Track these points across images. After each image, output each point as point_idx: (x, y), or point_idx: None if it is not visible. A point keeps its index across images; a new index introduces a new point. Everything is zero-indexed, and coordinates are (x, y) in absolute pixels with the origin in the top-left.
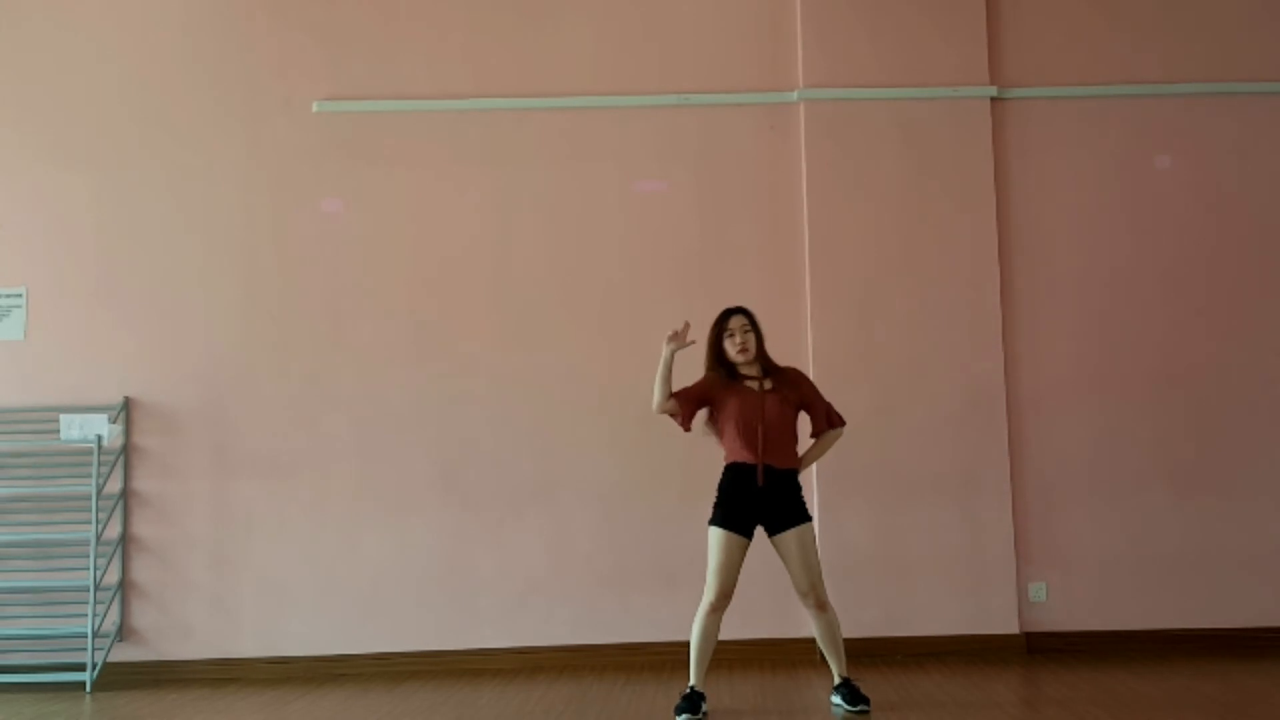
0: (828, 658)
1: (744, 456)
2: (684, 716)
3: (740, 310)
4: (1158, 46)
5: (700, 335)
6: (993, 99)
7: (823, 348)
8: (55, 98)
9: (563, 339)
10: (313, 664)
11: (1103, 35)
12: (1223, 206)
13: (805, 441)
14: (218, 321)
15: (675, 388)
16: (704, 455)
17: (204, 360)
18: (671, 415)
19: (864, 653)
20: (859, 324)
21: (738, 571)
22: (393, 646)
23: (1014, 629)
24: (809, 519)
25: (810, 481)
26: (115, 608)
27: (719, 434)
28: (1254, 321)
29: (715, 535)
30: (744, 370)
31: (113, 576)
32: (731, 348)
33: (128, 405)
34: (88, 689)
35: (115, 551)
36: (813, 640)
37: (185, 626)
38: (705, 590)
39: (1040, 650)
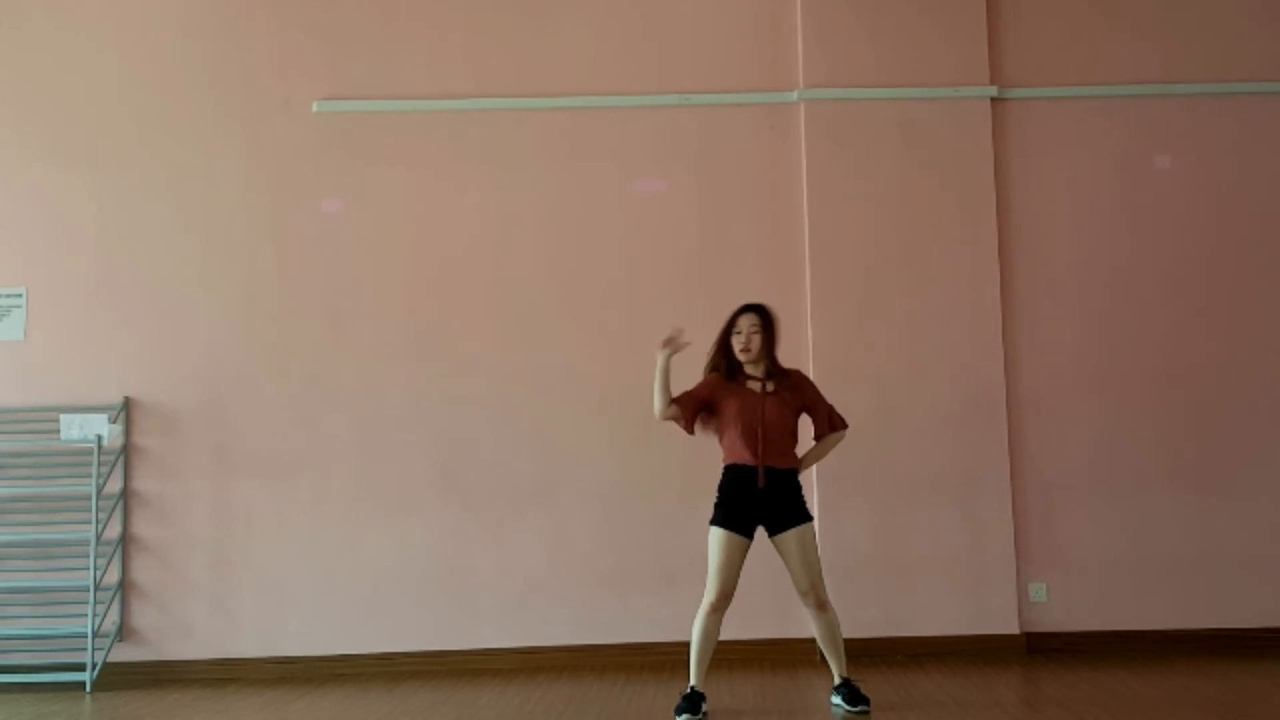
0: (828, 658)
1: (743, 458)
2: (684, 717)
3: (754, 310)
4: (1158, 46)
5: (696, 337)
6: (993, 99)
7: (823, 348)
8: (55, 98)
9: (563, 339)
10: (313, 664)
11: (1103, 35)
12: (1223, 206)
13: (807, 442)
14: (218, 321)
15: (676, 391)
16: (704, 455)
17: (204, 360)
18: (674, 420)
19: (864, 653)
20: (859, 324)
21: (738, 572)
22: (393, 646)
23: (1014, 629)
24: (809, 519)
25: (810, 481)
26: (115, 608)
27: (718, 435)
28: (1254, 321)
29: (716, 535)
30: (748, 369)
31: (113, 576)
32: (736, 344)
33: (128, 405)
34: (88, 689)
35: (115, 551)
36: (813, 640)
37: (185, 626)
38: (706, 590)
39: (1040, 650)
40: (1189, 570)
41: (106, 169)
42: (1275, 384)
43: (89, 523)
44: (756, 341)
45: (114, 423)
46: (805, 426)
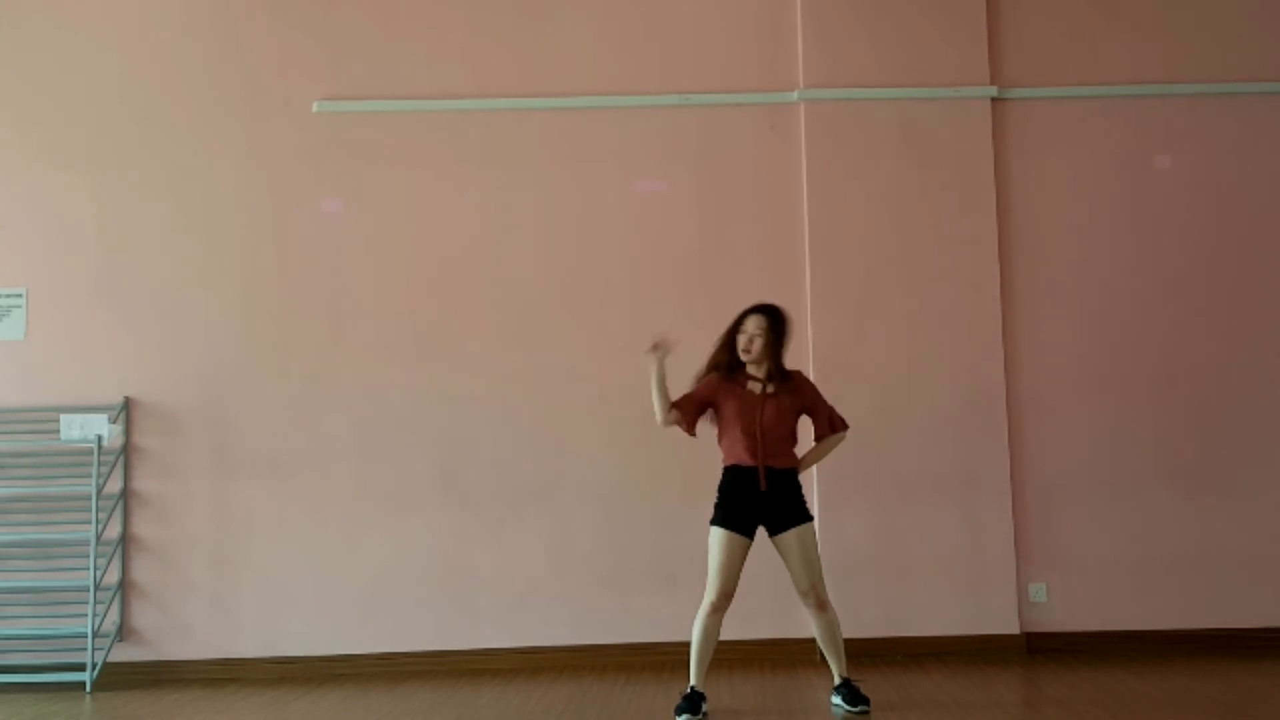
0: (828, 658)
1: (742, 459)
2: (684, 717)
3: (764, 313)
4: (1158, 46)
5: (696, 337)
6: (993, 99)
7: (823, 348)
8: (55, 98)
9: (563, 339)
10: (313, 664)
11: (1103, 35)
12: (1223, 206)
13: (807, 442)
14: (218, 321)
15: (675, 393)
16: (704, 455)
17: (204, 360)
18: (676, 424)
19: (864, 653)
20: (859, 324)
21: (739, 572)
22: (393, 646)
23: (1014, 629)
24: (810, 519)
25: (810, 481)
26: (115, 608)
27: (717, 435)
28: (1254, 321)
29: (716, 535)
30: (750, 369)
31: (113, 576)
32: (740, 343)
33: (128, 405)
34: (88, 689)
35: (115, 551)
36: (813, 640)
37: (185, 626)
38: (706, 590)
39: (1040, 650)
40: (1189, 570)
41: (106, 169)
42: (1275, 384)
43: (89, 523)
44: (758, 345)
45: (114, 423)
46: (805, 426)
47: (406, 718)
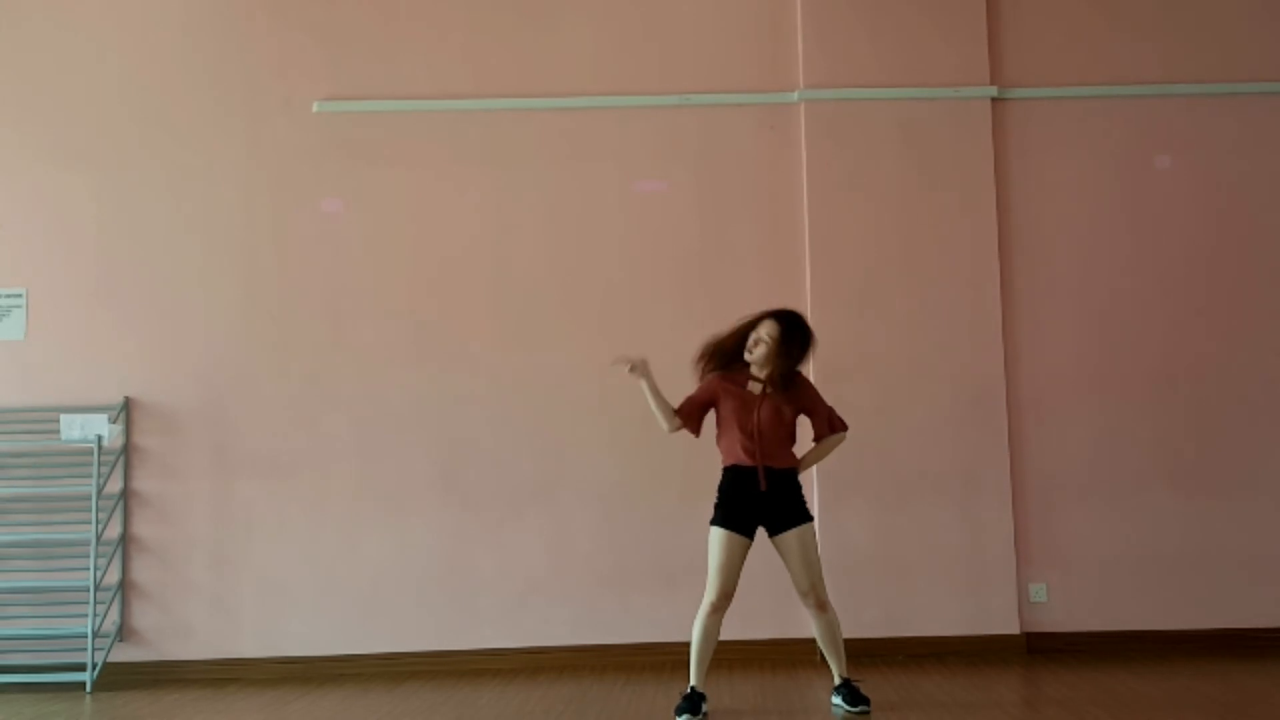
0: (828, 658)
1: (741, 459)
2: (684, 717)
3: (782, 322)
4: (1158, 46)
5: (696, 337)
6: (993, 99)
7: (823, 348)
8: (55, 98)
9: (563, 339)
10: (313, 664)
11: (1103, 35)
12: (1223, 206)
13: (807, 442)
14: (218, 321)
15: (675, 394)
16: (704, 455)
17: (204, 360)
18: (683, 428)
19: (864, 653)
20: (859, 324)
21: (739, 572)
22: (393, 646)
23: (1014, 629)
24: (810, 519)
25: (810, 481)
26: (115, 608)
27: (716, 435)
28: (1254, 321)
29: (716, 535)
30: (753, 369)
31: (113, 577)
32: (749, 341)
33: (128, 405)
34: (88, 689)
35: (115, 552)
36: (813, 641)
37: (185, 627)
38: (706, 590)
39: (1040, 650)
40: (1189, 570)
41: (106, 169)
42: (1275, 384)
43: (89, 523)
44: (761, 351)
45: (114, 423)
46: (805, 426)
47: (407, 718)
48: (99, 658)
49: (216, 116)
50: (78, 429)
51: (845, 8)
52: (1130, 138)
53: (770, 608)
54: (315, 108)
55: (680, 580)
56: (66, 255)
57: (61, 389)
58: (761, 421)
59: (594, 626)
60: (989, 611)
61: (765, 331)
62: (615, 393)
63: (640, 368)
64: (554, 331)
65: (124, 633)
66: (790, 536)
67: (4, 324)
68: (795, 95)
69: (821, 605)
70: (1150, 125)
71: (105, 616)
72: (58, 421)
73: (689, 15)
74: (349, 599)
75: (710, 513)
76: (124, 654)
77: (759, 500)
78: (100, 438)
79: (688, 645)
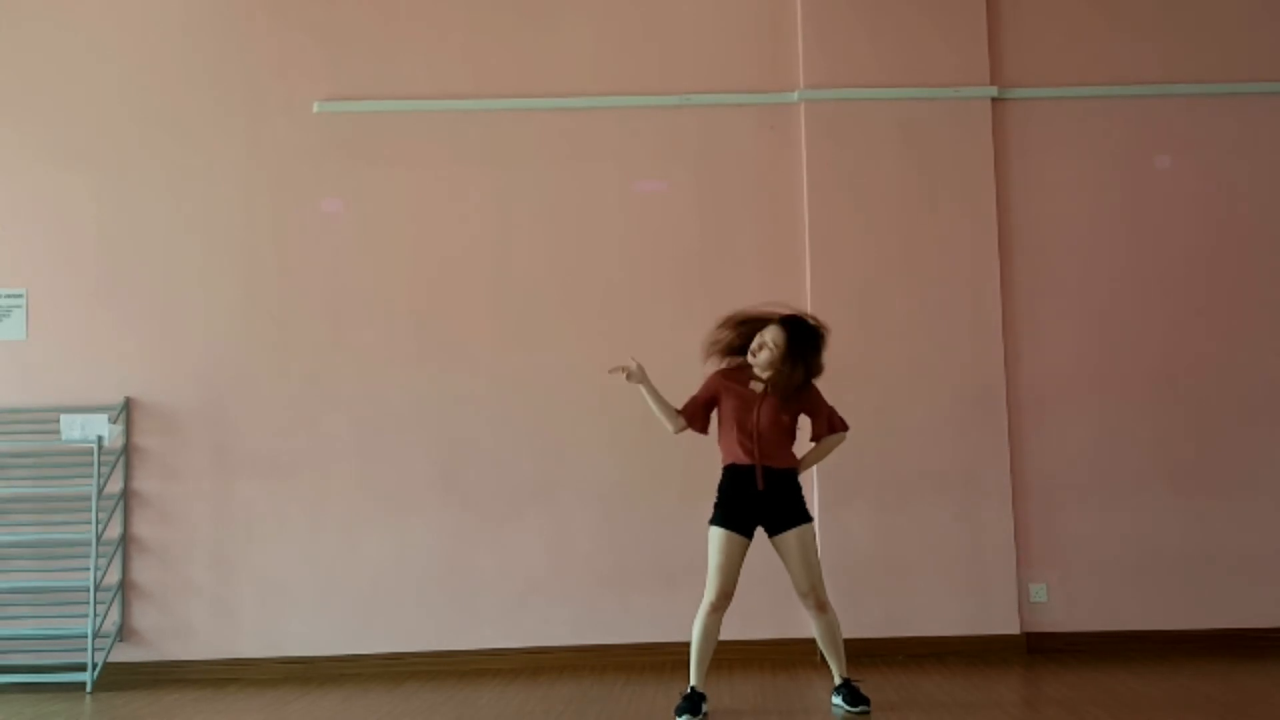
0: (828, 658)
1: (740, 459)
2: (684, 717)
3: (788, 328)
4: (1158, 46)
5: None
6: (993, 99)
7: None
8: (55, 98)
9: (563, 339)
10: (313, 664)
11: (1103, 35)
12: (1223, 206)
13: (807, 441)
14: (218, 321)
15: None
16: (704, 455)
17: (204, 360)
18: (688, 428)
19: (864, 653)
20: (859, 324)
21: (738, 572)
22: (393, 647)
23: (1014, 629)
24: (809, 519)
25: (810, 481)
26: (116, 608)
27: (717, 434)
28: (1254, 321)
29: (716, 535)
30: (755, 370)
31: (113, 577)
32: (754, 343)
33: (128, 405)
34: (88, 689)
35: (116, 552)
36: (813, 641)
37: (186, 627)
38: (706, 590)
39: (1040, 650)
40: (1189, 570)
41: (106, 169)
42: (1275, 384)
43: (89, 523)
44: (765, 358)
45: (114, 423)
46: (806, 426)
47: (407, 718)
48: (99, 658)
49: (216, 116)
50: (78, 429)
51: (845, 8)
52: (1130, 138)
53: (770, 608)
54: (315, 108)
55: (680, 580)
56: (67, 255)
57: (62, 389)
58: (761, 421)
59: (594, 626)
60: (989, 611)
61: (771, 337)
62: (615, 393)
63: (637, 374)
64: (554, 331)
65: (124, 633)
66: (790, 537)
67: (4, 324)
68: (795, 95)
69: (821, 606)
70: (1150, 125)
71: (105, 617)
72: (58, 421)
73: (689, 15)
74: (349, 599)
75: (710, 512)
76: (124, 654)
77: (758, 500)
78: (100, 438)
79: (688, 645)
